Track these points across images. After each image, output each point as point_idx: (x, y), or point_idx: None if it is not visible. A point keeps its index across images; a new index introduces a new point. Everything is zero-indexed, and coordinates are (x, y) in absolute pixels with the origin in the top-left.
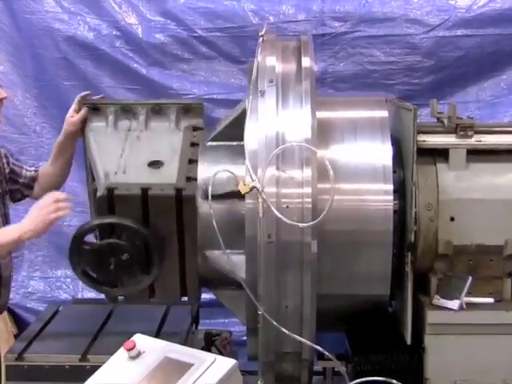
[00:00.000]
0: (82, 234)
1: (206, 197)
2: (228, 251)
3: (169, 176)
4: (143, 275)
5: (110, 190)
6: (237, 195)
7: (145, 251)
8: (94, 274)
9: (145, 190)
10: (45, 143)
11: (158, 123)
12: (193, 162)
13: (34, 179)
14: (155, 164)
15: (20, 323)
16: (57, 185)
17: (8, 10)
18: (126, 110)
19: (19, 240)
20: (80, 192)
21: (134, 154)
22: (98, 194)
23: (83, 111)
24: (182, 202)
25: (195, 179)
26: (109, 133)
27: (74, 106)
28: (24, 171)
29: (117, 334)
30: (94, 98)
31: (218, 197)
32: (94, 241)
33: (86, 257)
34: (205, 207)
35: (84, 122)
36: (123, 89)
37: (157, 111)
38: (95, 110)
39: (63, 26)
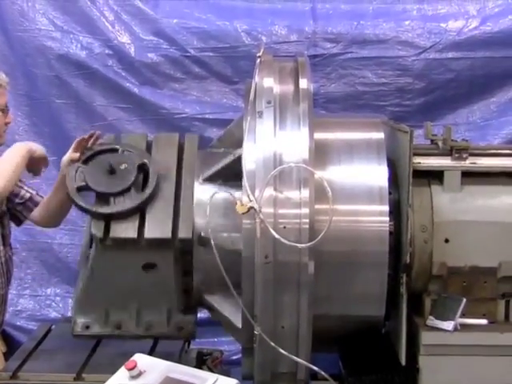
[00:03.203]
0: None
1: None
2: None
3: None
4: (136, 192)
5: None
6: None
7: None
8: (91, 183)
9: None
10: None
11: None
12: None
13: (30, 200)
14: None
15: (9, 341)
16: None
17: (0, 28)
18: None
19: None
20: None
21: None
22: None
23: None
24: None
25: None
26: None
27: (73, 146)
28: (23, 191)
29: (111, 352)
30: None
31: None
32: None
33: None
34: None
35: None
36: (115, 108)
37: None
38: None
39: (56, 45)
